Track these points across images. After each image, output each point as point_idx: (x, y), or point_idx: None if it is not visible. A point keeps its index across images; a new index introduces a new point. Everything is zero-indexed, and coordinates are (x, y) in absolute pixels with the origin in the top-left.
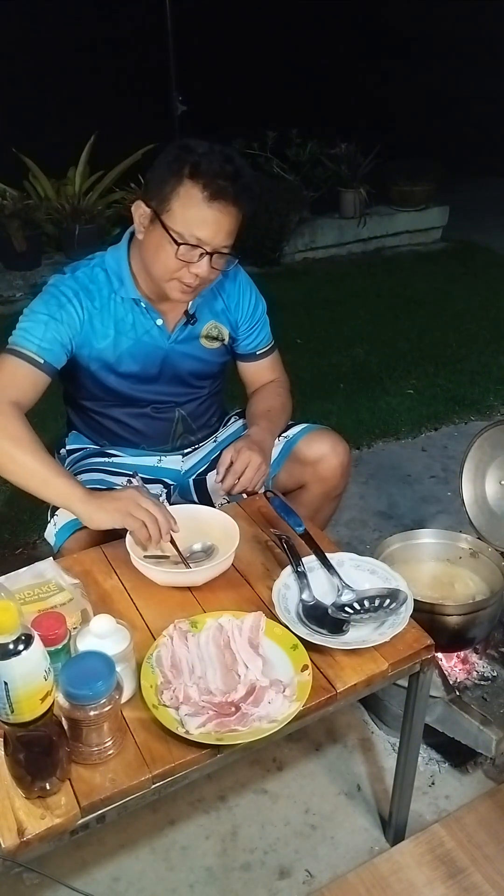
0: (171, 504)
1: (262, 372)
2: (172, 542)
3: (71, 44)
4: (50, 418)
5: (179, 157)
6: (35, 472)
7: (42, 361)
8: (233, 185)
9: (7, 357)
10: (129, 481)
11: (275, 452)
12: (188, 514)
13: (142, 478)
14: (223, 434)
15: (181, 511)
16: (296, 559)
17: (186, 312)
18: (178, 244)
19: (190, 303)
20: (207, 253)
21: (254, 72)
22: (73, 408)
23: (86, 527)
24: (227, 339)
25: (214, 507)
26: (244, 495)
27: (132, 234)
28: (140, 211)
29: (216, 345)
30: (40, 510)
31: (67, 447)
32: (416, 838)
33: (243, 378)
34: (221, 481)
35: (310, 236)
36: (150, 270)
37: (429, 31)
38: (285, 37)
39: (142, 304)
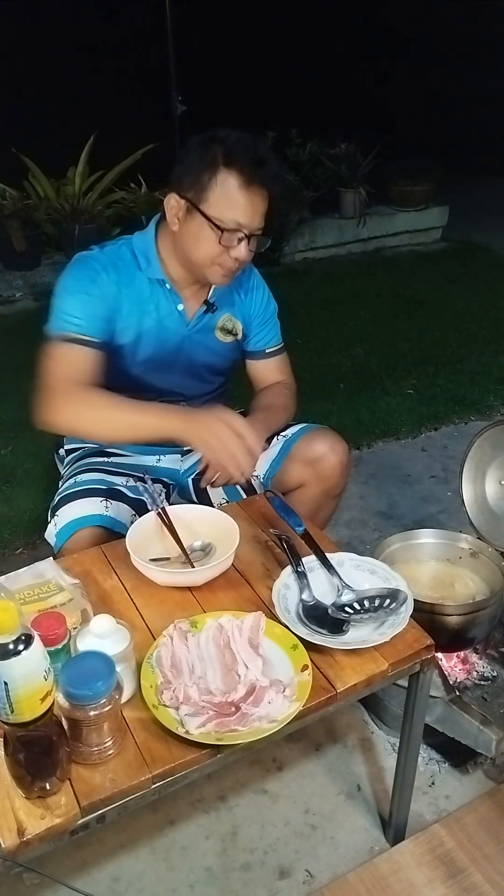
0: (170, 504)
1: (269, 371)
2: (178, 541)
3: (71, 44)
4: None
5: (210, 148)
6: (125, 421)
7: (89, 339)
8: (264, 169)
9: (57, 346)
10: (137, 481)
11: (274, 451)
12: (188, 514)
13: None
14: None
15: (181, 511)
16: (296, 559)
17: (206, 301)
18: (222, 230)
19: (210, 292)
20: (246, 236)
21: (254, 72)
22: None
23: (86, 527)
24: (240, 334)
25: (213, 506)
26: (242, 493)
27: (158, 221)
28: (172, 203)
29: (230, 339)
30: (40, 510)
31: (66, 447)
32: (416, 838)
33: (251, 376)
34: (202, 472)
35: (310, 236)
36: (191, 258)
37: (429, 31)
38: (285, 37)
39: (167, 285)
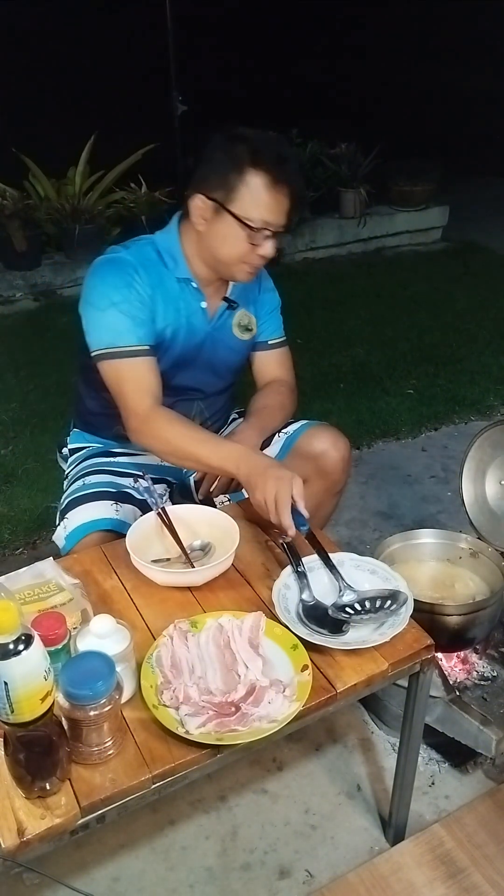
0: (172, 503)
1: (270, 364)
2: (178, 541)
3: (71, 44)
4: (50, 418)
5: (235, 147)
6: (201, 460)
7: (145, 347)
8: (288, 168)
9: (117, 363)
10: (137, 481)
11: (275, 449)
12: (188, 514)
13: (150, 478)
14: (224, 434)
15: (181, 511)
16: (296, 559)
17: (226, 298)
18: (253, 229)
19: (229, 289)
20: (272, 234)
21: (254, 72)
22: (93, 397)
23: (97, 531)
24: (254, 329)
25: (215, 506)
26: (244, 492)
27: (180, 219)
28: (198, 203)
29: (247, 336)
30: (40, 510)
31: (69, 446)
32: (416, 838)
33: (253, 369)
34: (199, 480)
35: (310, 236)
36: (218, 257)
37: (429, 31)
38: (285, 37)
39: (192, 284)
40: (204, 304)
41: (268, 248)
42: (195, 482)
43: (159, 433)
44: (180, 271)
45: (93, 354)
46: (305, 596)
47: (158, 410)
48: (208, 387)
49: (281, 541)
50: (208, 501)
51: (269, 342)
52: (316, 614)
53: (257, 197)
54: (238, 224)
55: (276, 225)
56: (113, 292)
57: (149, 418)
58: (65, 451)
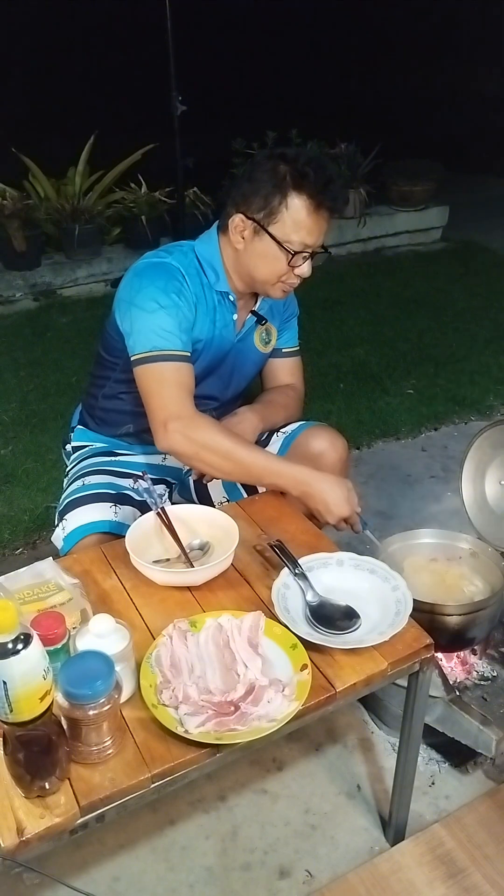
0: (171, 503)
1: (281, 371)
2: (177, 541)
3: (71, 44)
4: (50, 418)
5: (278, 169)
6: (252, 472)
7: (188, 353)
8: (332, 192)
9: (160, 366)
10: (136, 481)
11: (274, 448)
12: (187, 514)
13: (150, 478)
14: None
15: (181, 511)
16: (291, 562)
17: (255, 312)
18: (293, 253)
19: (257, 303)
20: (310, 254)
21: (254, 71)
22: (109, 394)
23: (95, 533)
24: (274, 341)
25: (214, 505)
26: (243, 492)
27: (218, 230)
28: (238, 222)
29: (268, 349)
30: (40, 510)
31: (73, 443)
32: (416, 838)
33: (262, 374)
34: (199, 479)
35: None
36: (255, 276)
37: (429, 32)
38: (286, 37)
39: (230, 297)
40: (235, 317)
41: (305, 269)
42: (194, 482)
43: (205, 438)
44: (221, 285)
45: (135, 356)
46: (310, 597)
47: (202, 416)
48: (223, 395)
49: (274, 544)
50: (203, 489)
51: (284, 350)
52: (324, 613)
53: (298, 220)
54: (278, 246)
55: (315, 246)
56: (162, 296)
57: (193, 422)
58: (68, 447)
